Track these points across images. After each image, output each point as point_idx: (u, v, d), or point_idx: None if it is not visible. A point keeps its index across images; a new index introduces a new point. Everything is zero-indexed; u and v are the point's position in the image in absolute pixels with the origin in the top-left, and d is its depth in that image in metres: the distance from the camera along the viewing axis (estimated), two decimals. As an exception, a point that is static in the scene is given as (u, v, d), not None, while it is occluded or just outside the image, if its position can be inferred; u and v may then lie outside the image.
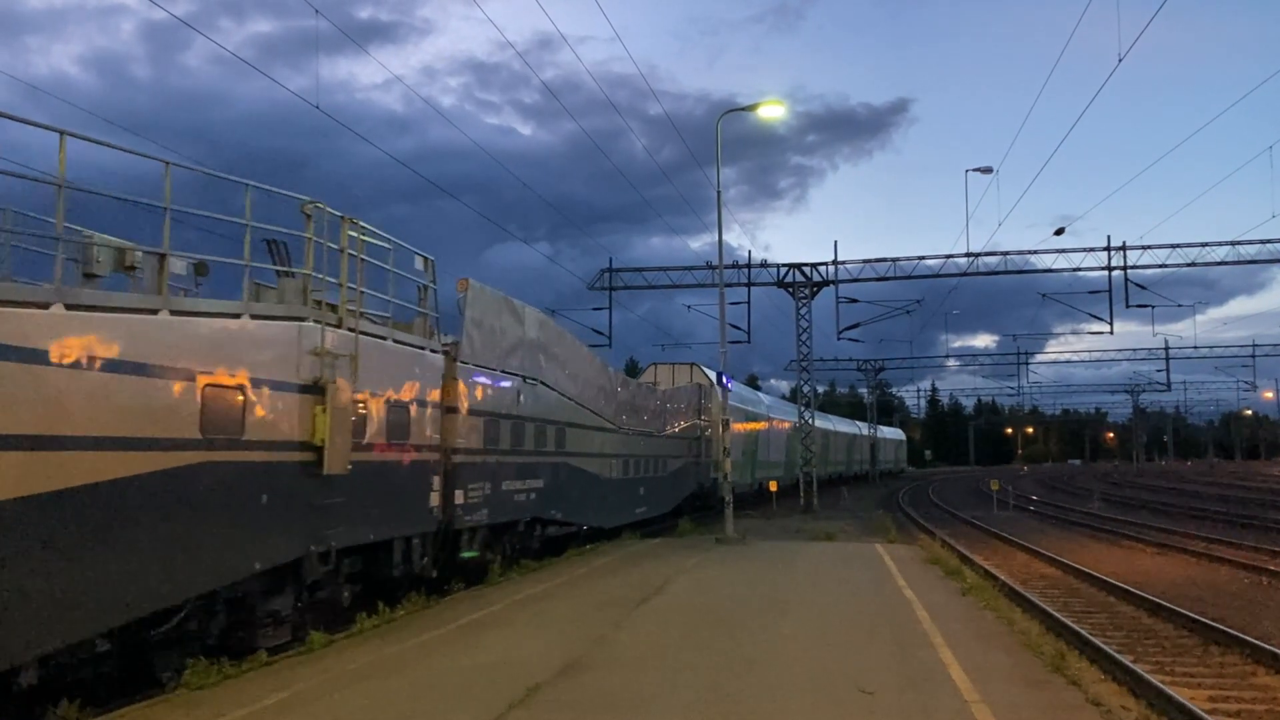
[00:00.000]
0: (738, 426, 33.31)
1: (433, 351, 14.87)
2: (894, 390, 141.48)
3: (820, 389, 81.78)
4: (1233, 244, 39.55)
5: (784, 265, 42.30)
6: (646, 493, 29.20)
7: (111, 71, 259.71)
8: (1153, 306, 45.41)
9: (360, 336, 12.33)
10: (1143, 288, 42.00)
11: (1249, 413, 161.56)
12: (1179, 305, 51.39)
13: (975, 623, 12.63)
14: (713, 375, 37.05)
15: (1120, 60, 19.89)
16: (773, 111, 27.35)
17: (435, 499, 14.66)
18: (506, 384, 17.70)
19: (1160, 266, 40.08)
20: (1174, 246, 39.77)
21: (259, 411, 10.36)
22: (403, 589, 14.25)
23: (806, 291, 42.00)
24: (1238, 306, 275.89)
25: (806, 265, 42.04)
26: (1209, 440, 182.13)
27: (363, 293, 12.83)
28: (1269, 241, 39.20)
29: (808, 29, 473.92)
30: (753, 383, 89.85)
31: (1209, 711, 9.61)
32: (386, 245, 13.84)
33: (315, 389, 11.30)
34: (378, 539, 12.97)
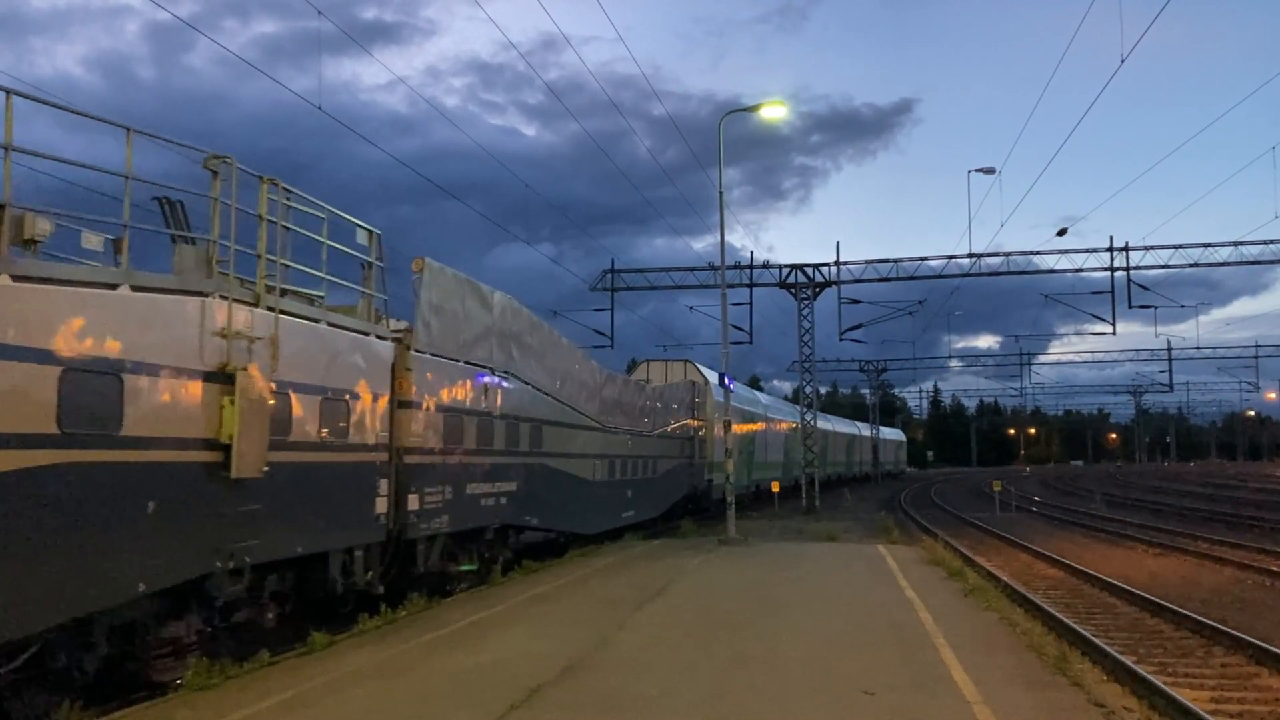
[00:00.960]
0: (737, 428, 32.91)
1: (380, 338, 13.17)
2: (896, 391, 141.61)
3: (823, 390, 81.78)
4: (1235, 245, 39.53)
5: (786, 266, 42.31)
6: (635, 496, 27.67)
7: (116, 72, 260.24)
8: (1155, 307, 45.40)
9: (282, 317, 10.69)
10: (1145, 288, 41.97)
11: (1251, 414, 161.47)
12: (1181, 306, 51.44)
13: (977, 624, 12.61)
14: (707, 372, 36.86)
15: (1123, 61, 19.90)
16: (775, 112, 27.35)
17: (382, 505, 12.95)
18: (471, 376, 16.07)
19: (1163, 267, 40.09)
20: (1176, 247, 39.76)
21: (144, 403, 8.74)
22: (348, 607, 12.93)
23: (809, 292, 41.98)
24: (1241, 307, 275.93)
25: (809, 266, 42.04)
26: (1211, 441, 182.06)
27: (287, 266, 11.30)
28: (1272, 242, 39.15)
29: (813, 29, 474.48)
30: (755, 384, 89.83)
31: (1211, 713, 9.60)
32: (320, 214, 12.16)
33: (223, 377, 9.66)
34: (308, 552, 11.37)
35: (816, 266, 41.96)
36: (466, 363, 15.91)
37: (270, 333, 10.44)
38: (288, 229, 11.28)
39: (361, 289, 13.30)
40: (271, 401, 10.30)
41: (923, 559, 20.68)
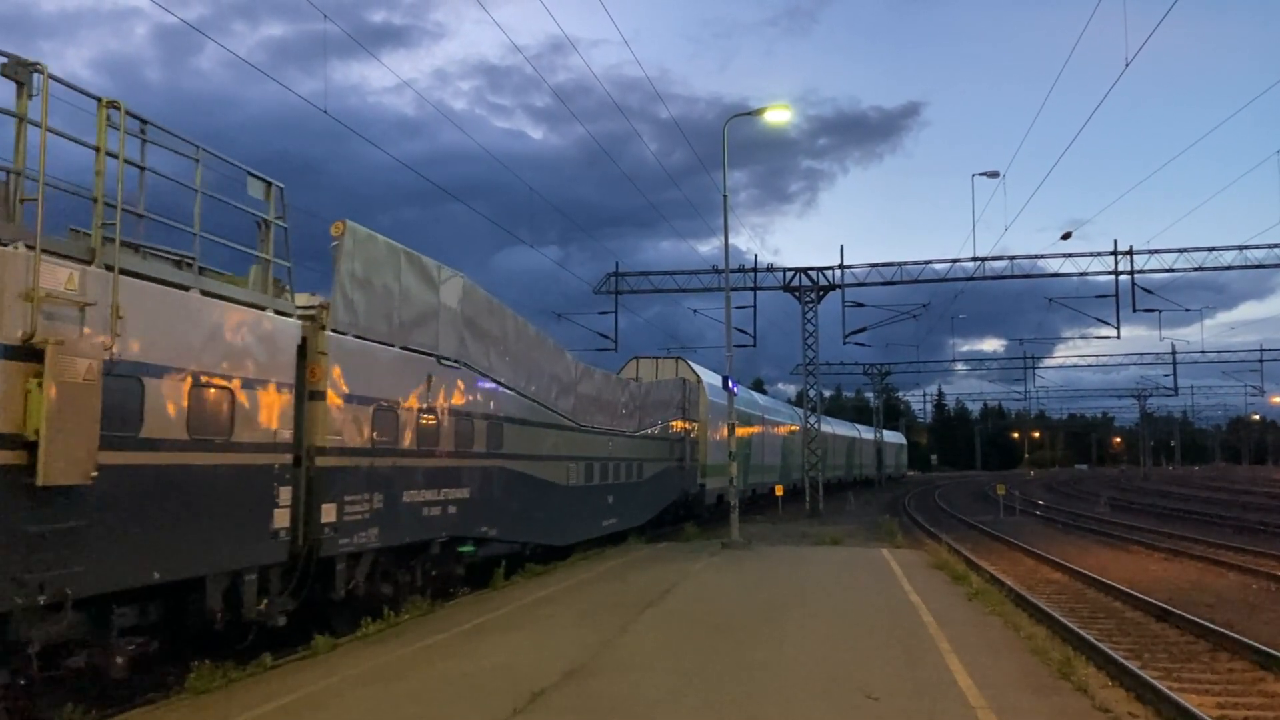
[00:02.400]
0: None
1: (280, 314, 11.01)
2: (900, 394, 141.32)
3: (826, 393, 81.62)
4: (1240, 248, 39.45)
5: (790, 269, 42.29)
6: (616, 501, 25.58)
7: (124, 75, 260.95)
8: (1159, 311, 45.30)
9: (127, 280, 8.58)
10: (1150, 292, 41.89)
11: (1256, 417, 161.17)
12: (1186, 310, 51.14)
13: (981, 628, 12.58)
14: (700, 371, 36.34)
15: (1127, 64, 19.83)
16: (779, 116, 27.32)
17: (283, 517, 10.82)
18: (410, 365, 13.99)
19: (1168, 271, 39.99)
20: (1181, 251, 39.67)
21: None
22: (249, 639, 10.97)
23: (812, 295, 41.96)
24: (1247, 310, 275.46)
25: (813, 269, 42.01)
26: (1216, 445, 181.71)
27: (140, 217, 9.14)
28: (1277, 245, 39.07)
29: (820, 32, 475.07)
30: (758, 386, 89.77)
31: (1217, 718, 9.56)
32: (191, 155, 9.92)
33: (28, 353, 7.61)
34: (172, 579, 9.16)
35: (821, 270, 41.94)
36: (404, 348, 13.85)
37: (108, 298, 8.35)
38: (141, 169, 9.19)
39: (257, 254, 10.95)
40: (106, 387, 8.17)
41: (926, 563, 20.64)
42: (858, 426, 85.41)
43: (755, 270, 42.43)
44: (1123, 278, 40.30)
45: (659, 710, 8.45)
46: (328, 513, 11.70)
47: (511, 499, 17.86)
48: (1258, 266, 39.56)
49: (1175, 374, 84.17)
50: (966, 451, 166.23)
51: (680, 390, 32.96)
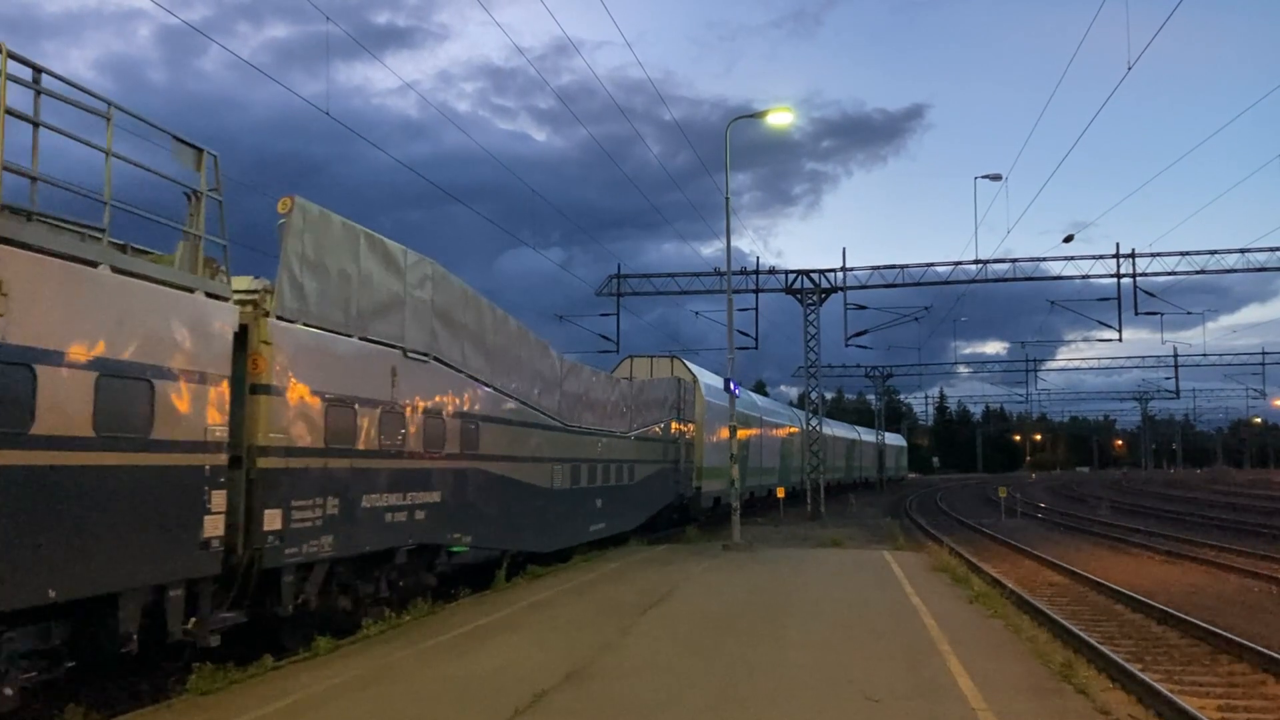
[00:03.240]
0: (728, 431, 31.95)
1: (213, 297, 9.76)
2: (902, 397, 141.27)
3: (828, 395, 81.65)
4: (1243, 251, 39.44)
5: (792, 271, 42.34)
6: (606, 505, 24.31)
7: (128, 76, 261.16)
8: (1162, 314, 45.29)
9: (9, 250, 7.48)
10: (1152, 295, 41.90)
11: (1258, 420, 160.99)
12: (1188, 313, 51.11)
13: (983, 630, 12.58)
14: (696, 370, 35.94)
15: (1130, 67, 19.85)
16: (781, 118, 27.33)
17: (216, 525, 9.63)
18: (371, 357, 12.86)
19: (1170, 274, 40.00)
20: (1183, 254, 39.68)
21: None
22: (183, 658, 10.02)
23: (814, 298, 41.98)
24: (1250, 314, 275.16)
25: (815, 272, 42.04)
26: (1218, 448, 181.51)
27: (36, 180, 7.94)
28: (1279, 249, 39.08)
29: (826, 34, 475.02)
30: (760, 388, 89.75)
31: (1218, 721, 9.55)
32: (100, 112, 8.81)
33: None
34: (71, 598, 8.00)
35: (823, 272, 41.97)
36: (364, 339, 12.74)
37: None
38: (35, 125, 8.03)
39: (184, 229, 9.67)
40: None
41: (928, 565, 20.63)
42: (857, 428, 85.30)
43: (757, 272, 42.48)
44: (1125, 280, 40.35)
45: (660, 712, 8.45)
46: (271, 519, 10.57)
47: (488, 503, 16.70)
48: (1260, 270, 39.58)
49: (1177, 377, 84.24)
50: (968, 454, 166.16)
51: (675, 390, 31.68)
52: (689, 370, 35.15)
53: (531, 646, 11.42)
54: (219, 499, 9.72)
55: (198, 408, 9.43)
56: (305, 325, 11.41)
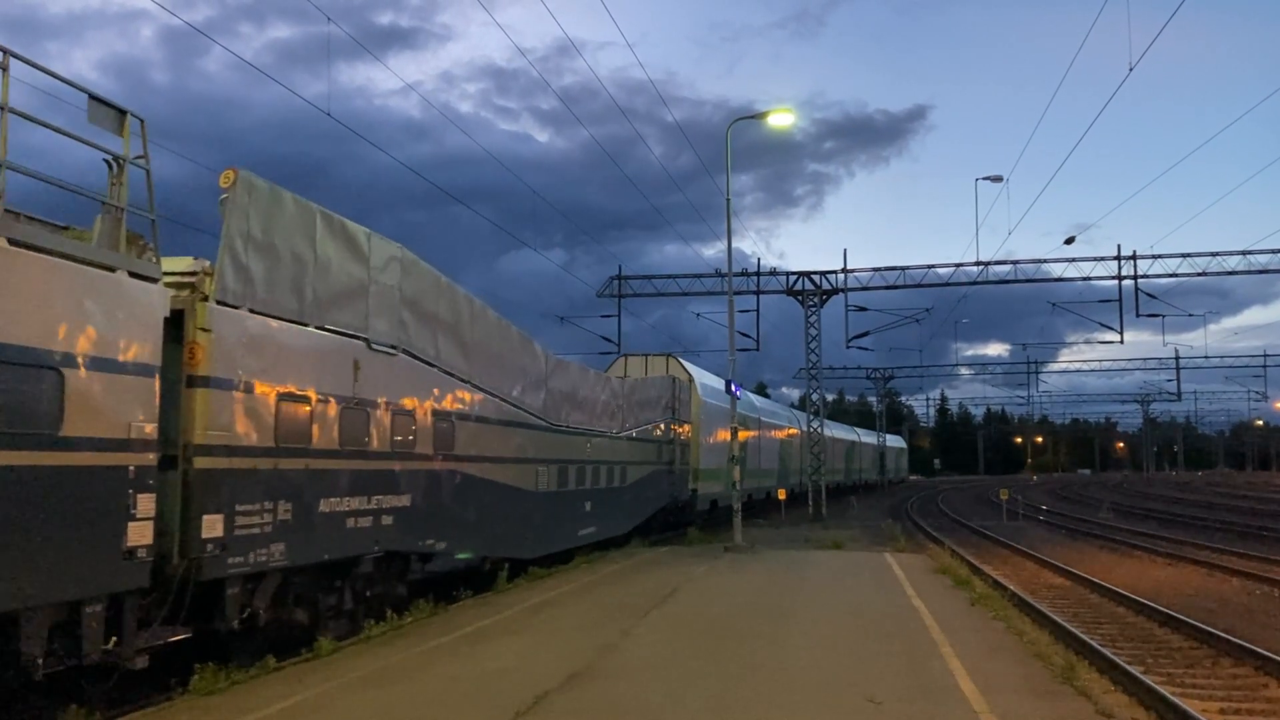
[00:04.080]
0: (725, 433, 31.55)
1: (139, 277, 8.70)
2: (903, 399, 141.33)
3: (830, 397, 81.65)
4: (1244, 253, 39.44)
5: (793, 273, 42.42)
6: (595, 508, 23.30)
7: (131, 76, 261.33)
8: (1163, 316, 45.29)
9: None
10: (1153, 297, 41.93)
11: (1260, 423, 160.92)
12: (1189, 315, 51.10)
13: (984, 633, 12.57)
14: (693, 369, 35.59)
15: (1131, 69, 19.87)
16: (782, 119, 27.36)
17: (143, 533, 8.61)
18: (330, 348, 11.83)
19: (1171, 276, 40.02)
20: (1184, 256, 39.71)
21: None
22: (113, 679, 9.05)
23: (816, 299, 42.00)
24: (1251, 316, 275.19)
25: (816, 273, 42.09)
26: (1220, 450, 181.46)
27: None
28: (1280, 251, 39.08)
29: (829, 35, 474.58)
30: (761, 390, 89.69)
31: (1220, 724, 9.54)
32: None
33: None
34: None
35: (824, 274, 42.01)
36: (322, 329, 11.69)
37: None
38: None
39: (103, 199, 8.67)
40: None
41: (929, 567, 20.63)
42: (857, 430, 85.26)
43: (759, 274, 42.55)
44: (1126, 282, 40.41)
45: (661, 713, 8.46)
46: (212, 525, 9.58)
47: (466, 507, 15.66)
48: (1262, 272, 39.62)
49: (1179, 379, 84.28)
50: (969, 456, 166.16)
51: (670, 389, 30.50)
52: (684, 369, 34.41)
53: (533, 648, 11.43)
54: (146, 503, 8.67)
55: (119, 402, 8.38)
56: (252, 311, 10.41)
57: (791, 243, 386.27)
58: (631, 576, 18.92)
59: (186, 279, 9.76)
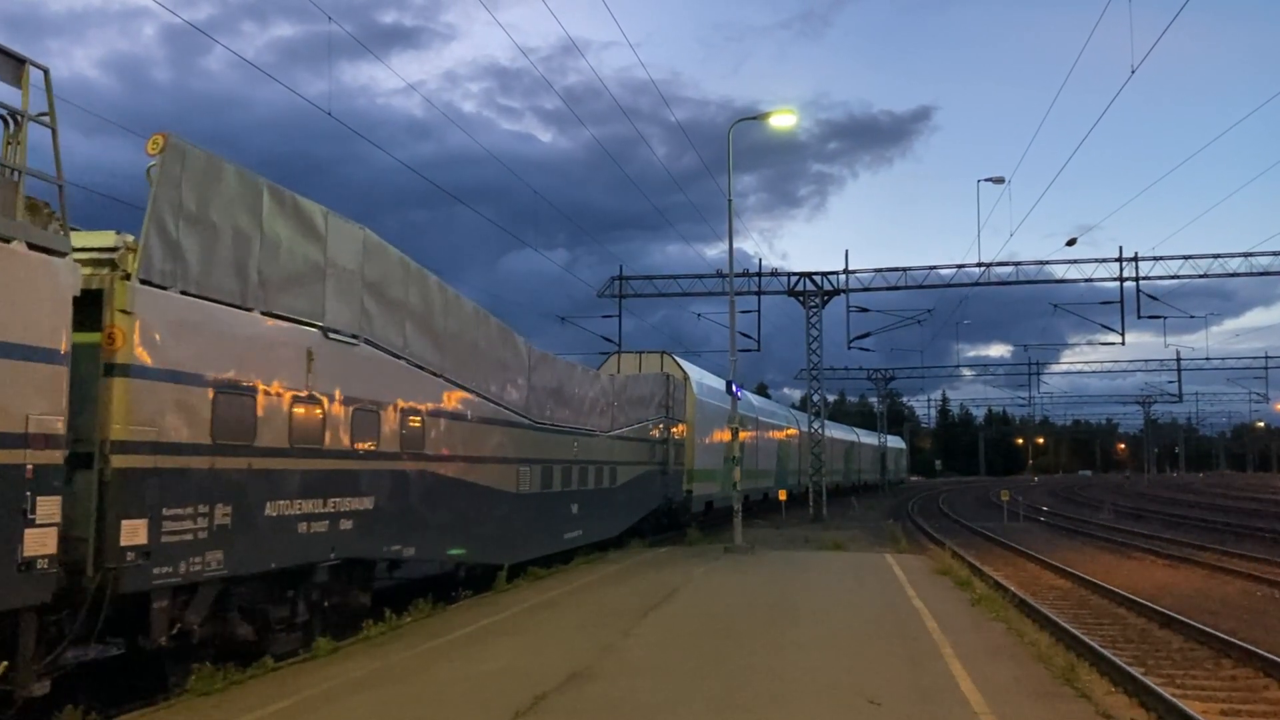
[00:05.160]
0: (722, 433, 31.32)
1: (40, 250, 7.67)
2: (905, 400, 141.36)
3: (830, 398, 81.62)
4: (1246, 255, 39.40)
5: (795, 274, 42.40)
6: (583, 511, 22.17)
7: (132, 75, 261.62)
8: (1164, 318, 45.26)
9: None
10: (1155, 299, 41.92)
11: (1261, 425, 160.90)
12: (1191, 316, 51.03)
13: (985, 634, 12.55)
14: (688, 367, 35.23)
15: (1134, 70, 19.83)
16: (784, 120, 27.31)
17: (45, 540, 7.59)
18: (278, 336, 10.78)
19: (1173, 277, 40.00)
20: (1186, 257, 39.66)
21: None
22: (11, 710, 8.06)
23: (817, 300, 41.98)
24: (1253, 318, 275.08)
25: (817, 274, 42.07)
26: (1221, 452, 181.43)
27: None
28: (1282, 253, 39.05)
29: (833, 35, 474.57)
30: (762, 390, 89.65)
31: (1221, 726, 9.52)
32: None
33: None
34: None
35: (825, 274, 42.00)
36: (268, 315, 10.60)
37: None
38: None
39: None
40: None
41: (930, 568, 20.61)
42: (856, 430, 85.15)
43: (760, 275, 42.53)
44: (1128, 284, 40.37)
45: (661, 714, 8.44)
46: (132, 532, 8.50)
47: (437, 510, 14.60)
48: (1263, 274, 39.60)
49: (1180, 381, 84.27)
50: (970, 457, 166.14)
51: (664, 386, 29.25)
52: (680, 366, 33.51)
53: (533, 648, 11.41)
54: (48, 507, 7.61)
55: (14, 392, 7.32)
56: (183, 293, 9.32)
57: (794, 243, 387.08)
58: (631, 577, 18.90)
59: (106, 255, 8.65)
